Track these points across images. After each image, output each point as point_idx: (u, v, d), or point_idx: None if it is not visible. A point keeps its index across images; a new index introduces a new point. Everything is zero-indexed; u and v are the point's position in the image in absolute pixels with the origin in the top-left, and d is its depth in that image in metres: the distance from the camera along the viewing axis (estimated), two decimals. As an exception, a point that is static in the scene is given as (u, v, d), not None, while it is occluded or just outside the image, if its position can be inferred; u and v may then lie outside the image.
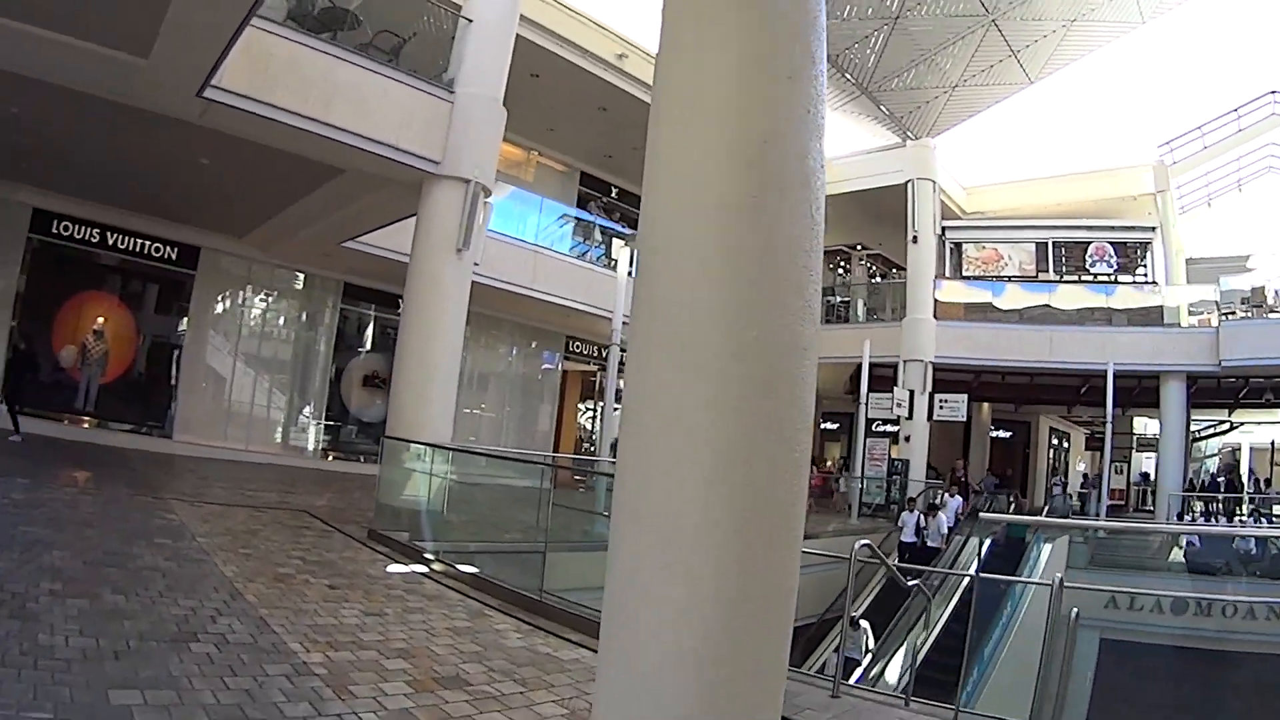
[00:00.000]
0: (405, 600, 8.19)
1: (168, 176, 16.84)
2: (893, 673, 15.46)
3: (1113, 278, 30.21)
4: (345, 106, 12.14)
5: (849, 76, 27.34)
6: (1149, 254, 30.38)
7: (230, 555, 8.90)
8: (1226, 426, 36.48)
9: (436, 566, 10.03)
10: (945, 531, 21.29)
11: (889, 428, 37.76)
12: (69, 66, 10.77)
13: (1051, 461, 41.38)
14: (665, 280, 3.38)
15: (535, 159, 27.26)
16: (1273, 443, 38.49)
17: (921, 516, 21.50)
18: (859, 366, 29.38)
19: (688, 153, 3.42)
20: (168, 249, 20.46)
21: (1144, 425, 37.99)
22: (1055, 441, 42.14)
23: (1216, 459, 36.90)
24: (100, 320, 20.18)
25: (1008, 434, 38.34)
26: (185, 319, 21.35)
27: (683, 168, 3.43)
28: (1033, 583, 17.74)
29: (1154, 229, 30.23)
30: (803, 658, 16.40)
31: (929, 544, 20.89)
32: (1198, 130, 30.93)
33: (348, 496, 16.42)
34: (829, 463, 36.60)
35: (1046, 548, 21.66)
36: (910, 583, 14.58)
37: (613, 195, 29.15)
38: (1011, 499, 29.26)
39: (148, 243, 20.18)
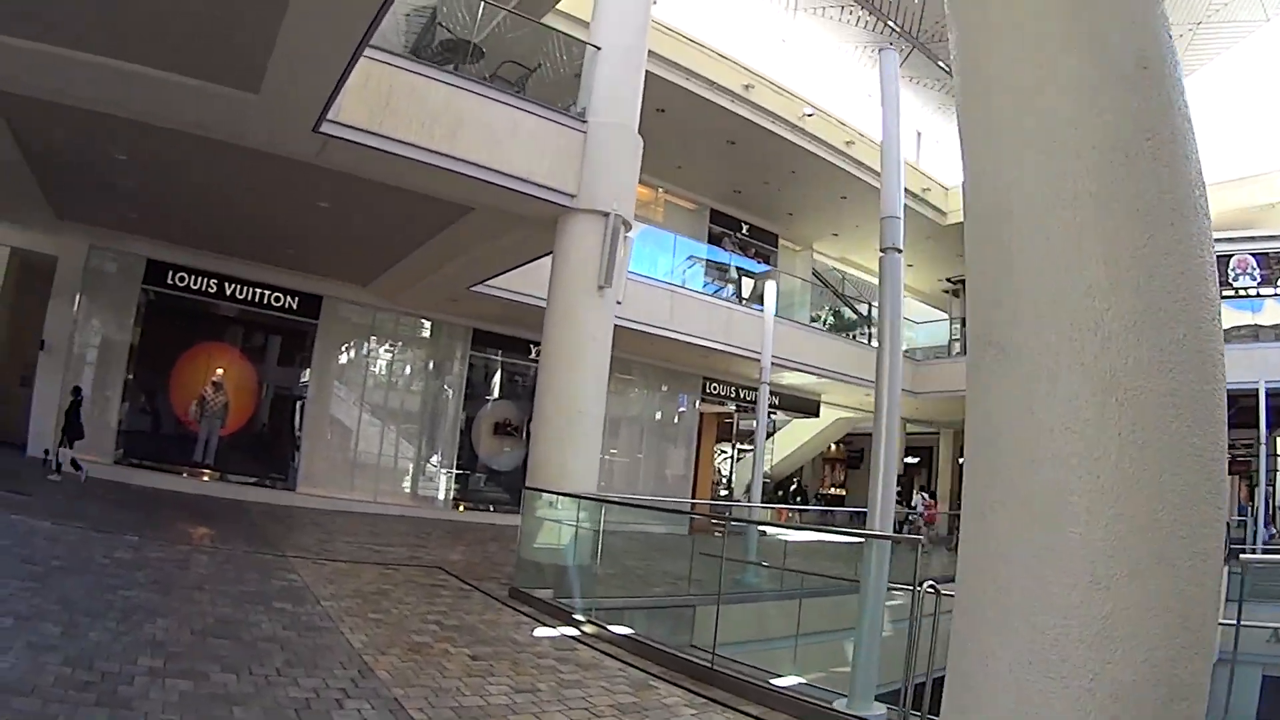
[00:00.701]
0: (559, 671, 7.17)
1: (287, 223, 16.21)
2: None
3: (1258, 290, 28.39)
4: (472, 139, 11.29)
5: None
6: None
7: (359, 621, 7.98)
8: None
9: (587, 629, 8.98)
10: None
11: None
12: (178, 105, 10.10)
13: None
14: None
15: (664, 197, 26.45)
16: None
17: None
18: None
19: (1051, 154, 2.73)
20: (288, 298, 19.87)
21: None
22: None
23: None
24: (219, 371, 19.71)
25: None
26: (308, 369, 20.70)
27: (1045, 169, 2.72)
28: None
29: None
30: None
31: None
32: None
33: (482, 549, 15.51)
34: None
35: None
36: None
37: (743, 231, 28.17)
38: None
39: (267, 292, 19.64)
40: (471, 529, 19.34)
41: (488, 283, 17.80)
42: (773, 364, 17.20)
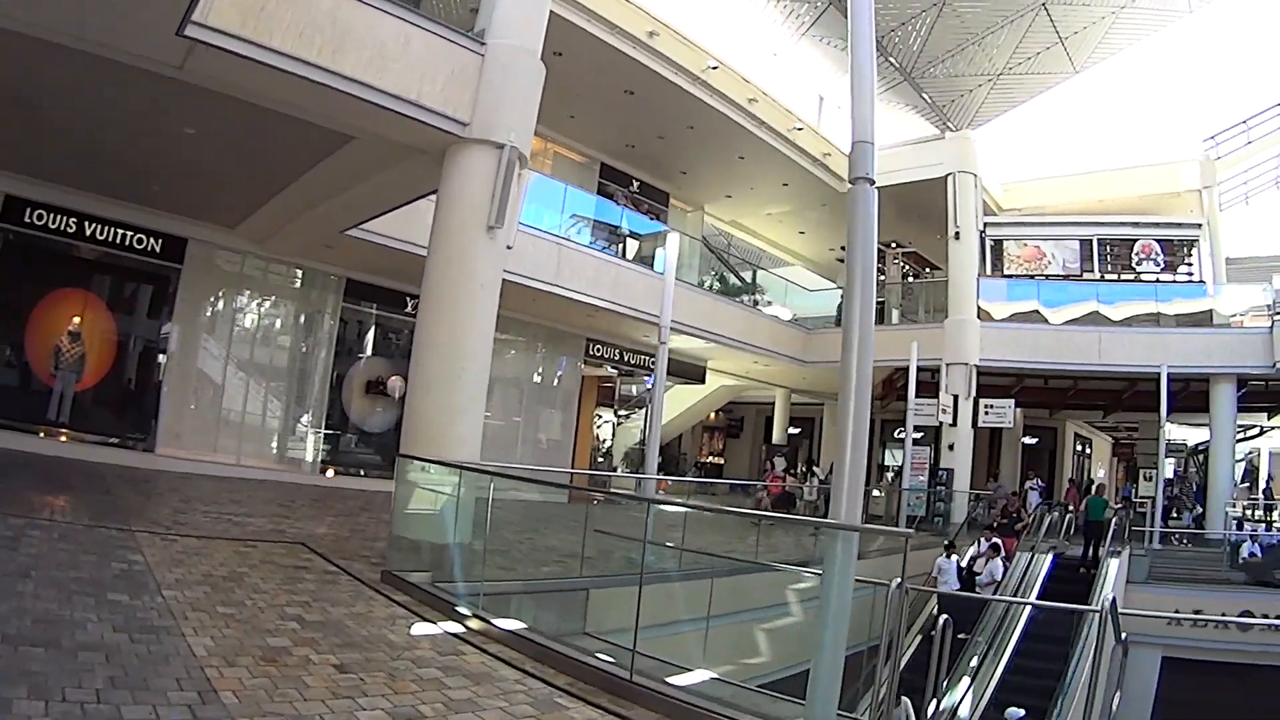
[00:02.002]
0: (445, 686, 6.00)
1: (150, 153, 14.60)
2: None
3: (1158, 277, 29.20)
4: (358, 54, 9.91)
5: (892, 60, 26.04)
6: (1195, 252, 29.52)
7: (205, 618, 6.72)
8: (1257, 431, 36.29)
9: (473, 623, 7.82)
10: (999, 578, 18.62)
11: (898, 432, 36.75)
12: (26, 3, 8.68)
13: (1076, 468, 40.34)
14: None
15: (553, 149, 25.36)
16: None
17: (976, 560, 19.04)
18: (893, 371, 28.28)
19: None
20: (152, 240, 18.17)
21: (1170, 431, 36.79)
22: (1079, 448, 41.55)
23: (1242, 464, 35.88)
24: (77, 320, 18.01)
25: (1034, 440, 36.77)
26: (171, 319, 19.04)
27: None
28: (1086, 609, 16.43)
29: (1200, 226, 29.49)
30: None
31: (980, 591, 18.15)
32: (1243, 125, 30.48)
33: (353, 521, 14.27)
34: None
35: (1113, 563, 20.76)
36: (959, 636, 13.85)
37: (634, 188, 27.06)
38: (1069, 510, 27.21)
39: (129, 234, 17.91)
40: (341, 496, 18.10)
41: (365, 227, 16.55)
42: (681, 328, 16.08)
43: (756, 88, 24.62)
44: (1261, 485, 36.31)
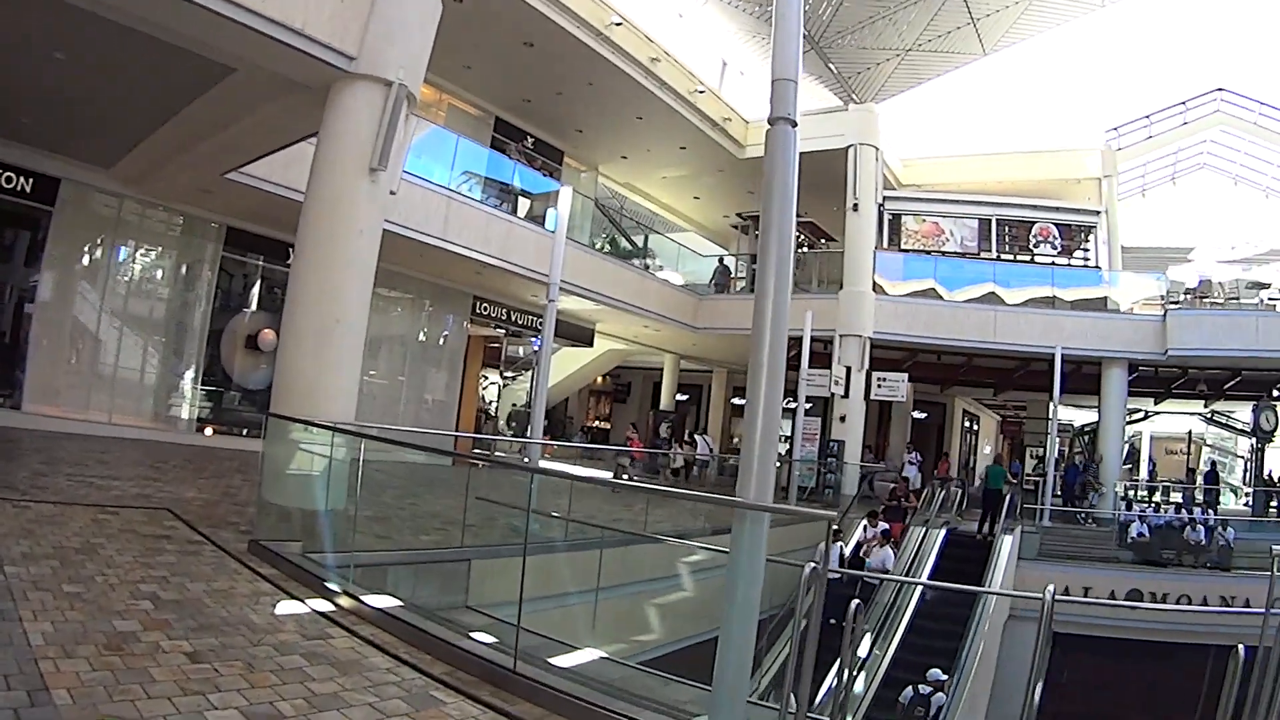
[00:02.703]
0: (308, 677, 5.47)
1: (16, 81, 13.54)
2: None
3: (1054, 260, 29.78)
4: (239, -27, 9.21)
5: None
6: (1093, 238, 30.13)
7: (48, 598, 6.11)
8: (1141, 415, 37.08)
9: (343, 601, 7.29)
10: (889, 566, 18.35)
11: (788, 402, 36.82)
12: None
13: (964, 444, 41.55)
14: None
15: (447, 100, 24.73)
16: (1190, 433, 40.91)
17: (863, 545, 18.96)
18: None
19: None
20: (21, 179, 16.98)
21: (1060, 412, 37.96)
22: (967, 424, 42.30)
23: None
24: (-66, 264, 16.90)
25: (923, 414, 37.48)
26: (40, 265, 17.94)
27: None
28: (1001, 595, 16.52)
29: (1099, 213, 30.12)
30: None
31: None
32: (1145, 119, 31.71)
33: (225, 483, 13.59)
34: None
35: (1007, 539, 20.97)
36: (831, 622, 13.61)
37: (528, 144, 26.48)
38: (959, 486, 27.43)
39: (-3, 171, 16.86)
40: (217, 456, 17.33)
41: (246, 170, 15.81)
42: (560, 287, 15.58)
43: (659, 47, 24.30)
44: (1144, 468, 37.32)
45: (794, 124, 5.75)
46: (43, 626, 5.53)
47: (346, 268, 10.18)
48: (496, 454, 24.49)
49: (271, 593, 7.38)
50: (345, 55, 10.09)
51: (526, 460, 22.14)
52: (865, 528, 19.74)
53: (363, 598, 7.29)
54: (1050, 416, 25.38)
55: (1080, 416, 37.57)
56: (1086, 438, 36.97)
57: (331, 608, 7.17)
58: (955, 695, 14.05)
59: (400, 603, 7.46)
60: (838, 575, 15.87)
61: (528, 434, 24.81)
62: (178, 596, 6.73)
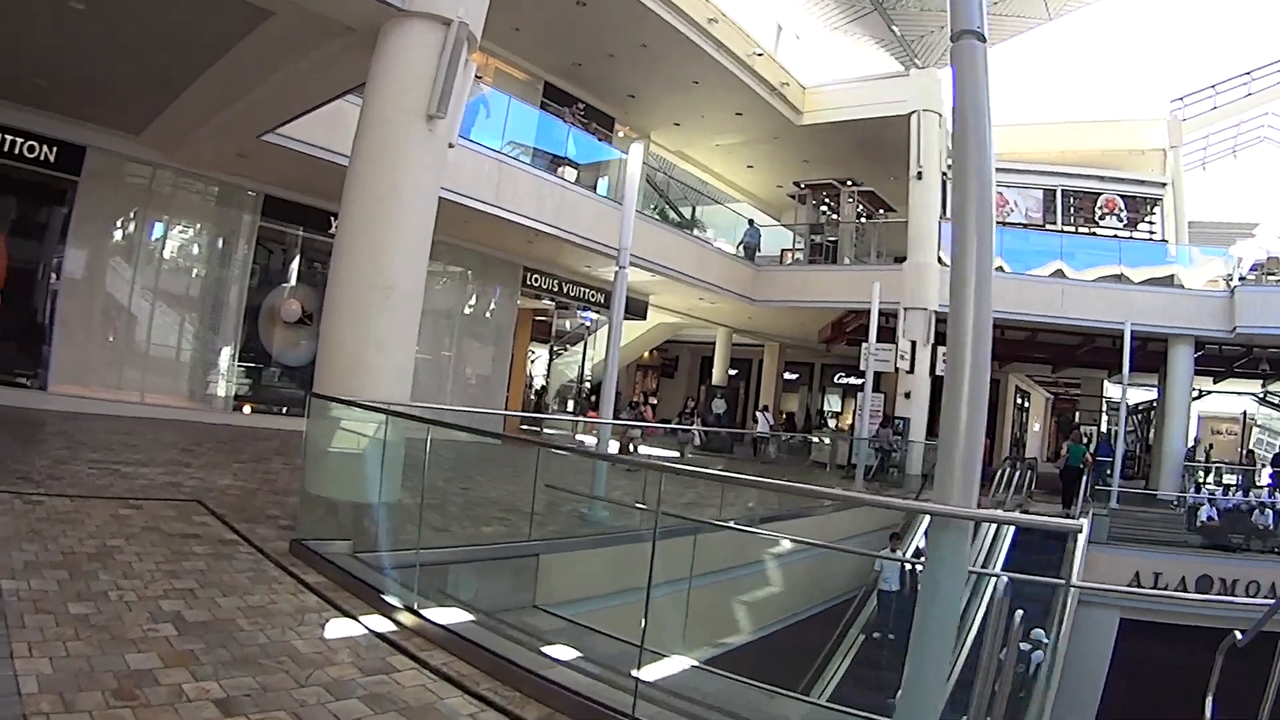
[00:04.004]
0: (368, 732, 4.34)
1: (37, 38, 12.44)
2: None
3: (1116, 233, 28.92)
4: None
5: (865, -13, 24.28)
6: (1159, 211, 29.32)
7: (50, 624, 4.97)
8: (1197, 394, 35.27)
9: (405, 617, 6.07)
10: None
11: (852, 380, 36.02)
12: None
13: (1015, 422, 40.70)
14: None
15: (494, 64, 23.49)
16: (1245, 414, 39.72)
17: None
18: (844, 314, 27.31)
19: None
20: (44, 149, 16.00)
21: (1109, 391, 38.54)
22: (1019, 401, 41.48)
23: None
24: (-45, 241, 15.97)
25: (979, 391, 35.39)
26: (66, 238, 16.90)
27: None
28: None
29: (1164, 185, 29.25)
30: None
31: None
32: (1210, 90, 31.00)
33: (263, 469, 12.50)
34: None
35: (1083, 524, 19.52)
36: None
37: (580, 108, 25.26)
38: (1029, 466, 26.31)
39: (18, 140, 15.77)
40: (255, 437, 16.33)
41: (284, 132, 14.74)
42: (630, 260, 14.38)
43: (716, 7, 23.09)
44: (1203, 448, 36.19)
45: (982, 38, 4.66)
46: (38, 665, 4.40)
47: (400, 228, 8.92)
48: (576, 439, 23.59)
49: (319, 608, 6.19)
50: (396, -10, 8.86)
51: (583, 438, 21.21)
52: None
53: (426, 612, 6.10)
54: (1102, 394, 24.33)
55: (1134, 396, 36.34)
56: (1139, 417, 35.89)
57: (391, 626, 5.97)
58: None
59: (471, 617, 6.32)
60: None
61: (585, 412, 23.85)
62: (207, 616, 5.57)
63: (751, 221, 30.54)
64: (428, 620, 5.98)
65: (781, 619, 14.04)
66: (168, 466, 11.34)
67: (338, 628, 5.83)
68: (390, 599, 6.34)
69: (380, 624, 6.01)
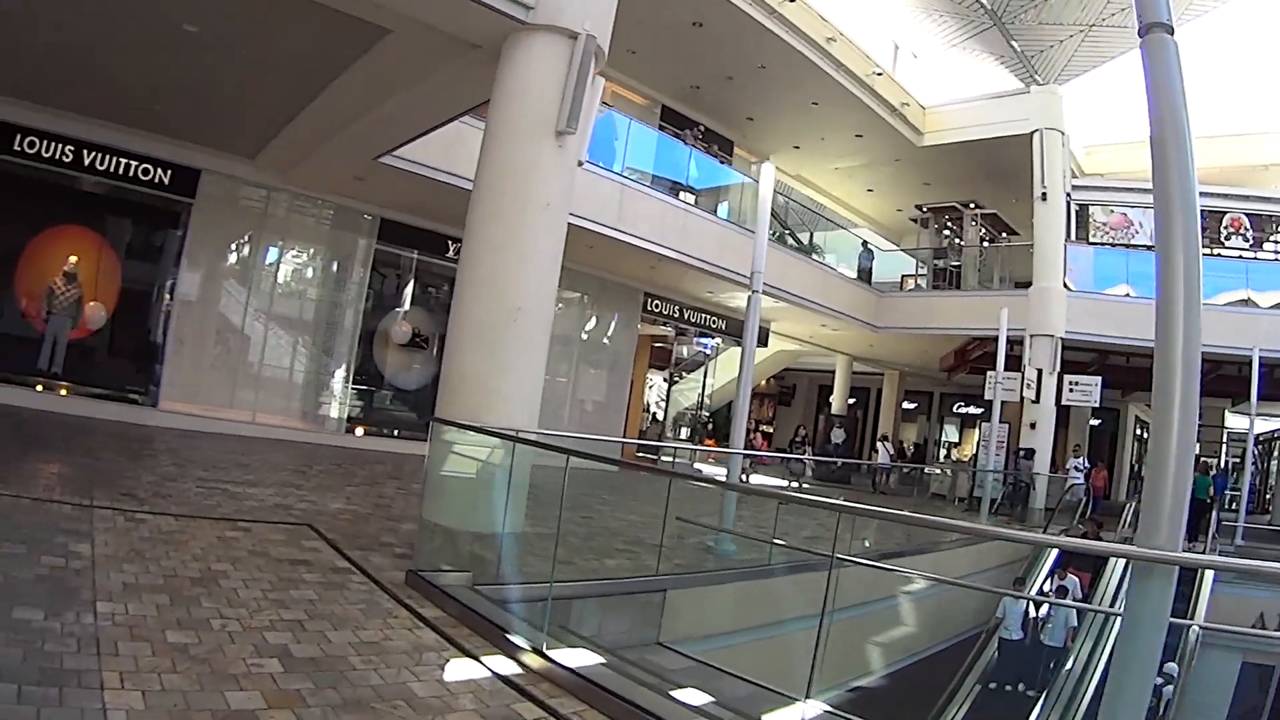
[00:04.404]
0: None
1: (149, 61, 12.33)
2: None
3: (1241, 254, 27.03)
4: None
5: (983, 2, 23.41)
6: None
7: (145, 653, 4.54)
8: None
9: (531, 659, 5.51)
10: (1075, 624, 14.87)
11: (971, 409, 34.99)
12: None
13: (1135, 454, 38.71)
14: None
15: (611, 89, 23.06)
16: None
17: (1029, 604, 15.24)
18: (968, 341, 26.55)
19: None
20: (159, 171, 16.07)
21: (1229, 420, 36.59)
22: (1139, 431, 39.40)
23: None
24: (73, 259, 16.03)
25: (1098, 421, 34.58)
26: (180, 260, 16.92)
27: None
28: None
29: None
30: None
31: (1045, 641, 14.66)
32: None
33: (377, 493, 12.11)
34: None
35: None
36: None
37: (700, 131, 24.86)
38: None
39: (134, 164, 15.85)
40: (368, 460, 16.00)
41: (402, 154, 14.46)
42: (764, 287, 13.79)
43: (834, 26, 22.51)
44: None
45: (1171, 30, 4.09)
46: (129, 699, 3.95)
47: (529, 247, 8.46)
48: (695, 467, 23.15)
49: (437, 645, 5.65)
50: (522, 4, 8.40)
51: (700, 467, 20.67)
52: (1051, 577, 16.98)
53: (554, 653, 5.53)
54: (1248, 427, 23.23)
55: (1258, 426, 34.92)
56: (1261, 448, 34.36)
57: (516, 669, 5.40)
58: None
59: (601, 659, 5.75)
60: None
61: (703, 440, 23.33)
62: (316, 652, 5.07)
63: (865, 243, 29.73)
64: (555, 663, 5.41)
65: (900, 659, 13.37)
66: (277, 488, 10.98)
67: (458, 669, 5.29)
68: (515, 638, 5.76)
69: (504, 665, 5.45)
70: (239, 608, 5.67)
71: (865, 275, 29.07)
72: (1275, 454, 30.25)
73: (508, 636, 5.81)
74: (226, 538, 7.58)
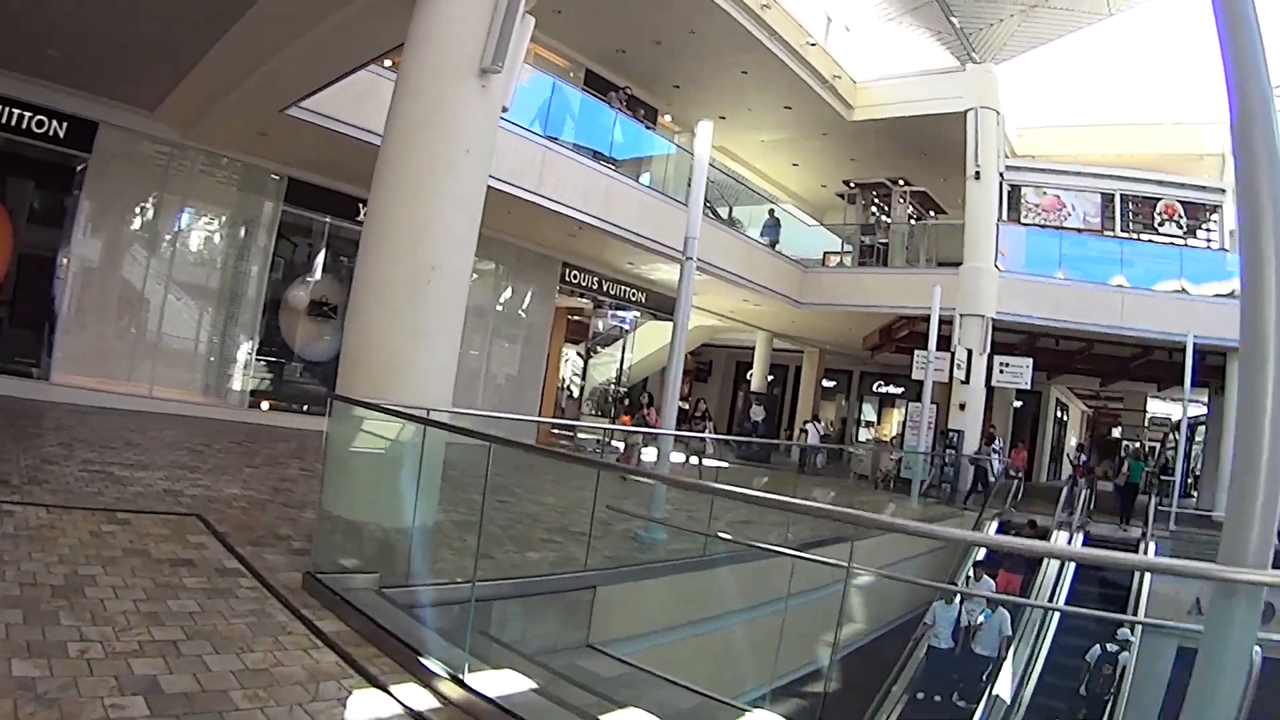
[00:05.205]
0: None
1: (45, 5, 11.34)
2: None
3: (1172, 240, 27.23)
4: None
5: (925, -27, 23.07)
6: (1218, 218, 27.72)
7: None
8: None
9: (449, 690, 4.63)
10: (1009, 632, 14.10)
11: (891, 389, 34.92)
12: None
13: (1054, 435, 40.15)
14: None
15: (533, 50, 22.16)
16: None
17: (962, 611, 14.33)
18: (894, 320, 26.43)
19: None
20: (54, 123, 14.97)
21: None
22: (1059, 414, 41.10)
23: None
24: (-43, 219, 14.88)
25: (1019, 403, 34.90)
26: (75, 220, 15.83)
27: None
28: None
29: (1224, 191, 27.37)
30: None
31: (977, 650, 13.88)
32: (1277, 89, 28.32)
33: (278, 474, 11.24)
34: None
35: (1153, 547, 19.78)
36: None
37: (627, 91, 24.28)
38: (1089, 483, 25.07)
39: (25, 114, 14.73)
40: (271, 437, 15.15)
41: (310, 105, 13.59)
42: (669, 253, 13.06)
43: (772, -9, 21.75)
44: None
45: None
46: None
47: (447, 199, 7.56)
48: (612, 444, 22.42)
49: (338, 672, 4.73)
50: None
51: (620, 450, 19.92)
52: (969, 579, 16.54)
53: (474, 679, 4.71)
54: (1181, 412, 23.52)
55: (1176, 411, 35.78)
56: (1178, 434, 34.94)
57: (432, 703, 4.51)
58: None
59: (533, 685, 4.97)
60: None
61: (620, 419, 22.52)
62: (191, 685, 4.17)
63: (771, 212, 29.03)
64: (477, 694, 4.57)
65: (834, 653, 12.84)
66: (169, 470, 10.02)
67: (363, 704, 4.39)
68: (430, 663, 4.87)
69: (417, 698, 4.56)
70: (104, 625, 4.77)
71: (771, 247, 28.41)
72: (1198, 439, 30.37)
73: (421, 660, 4.93)
74: (102, 533, 6.64)
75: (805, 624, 10.34)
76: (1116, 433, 48.83)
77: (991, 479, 24.03)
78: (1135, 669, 13.71)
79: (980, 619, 13.87)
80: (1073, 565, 17.24)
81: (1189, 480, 28.40)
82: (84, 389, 15.25)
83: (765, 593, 9.61)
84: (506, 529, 9.77)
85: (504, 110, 8.04)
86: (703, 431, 23.72)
